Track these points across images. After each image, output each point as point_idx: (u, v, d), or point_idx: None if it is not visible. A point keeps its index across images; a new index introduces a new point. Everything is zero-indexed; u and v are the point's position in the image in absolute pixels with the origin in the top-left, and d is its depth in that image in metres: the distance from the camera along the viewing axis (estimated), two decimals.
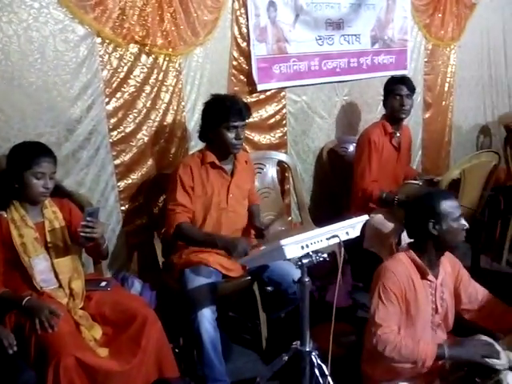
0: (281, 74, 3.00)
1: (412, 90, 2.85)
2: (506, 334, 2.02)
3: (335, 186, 3.33)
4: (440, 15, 3.84)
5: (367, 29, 3.39)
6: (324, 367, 1.87)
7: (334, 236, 1.74)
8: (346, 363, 2.19)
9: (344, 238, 1.78)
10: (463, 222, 1.83)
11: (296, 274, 1.85)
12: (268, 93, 3.00)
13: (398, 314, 1.83)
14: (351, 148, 3.28)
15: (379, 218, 2.81)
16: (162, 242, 2.54)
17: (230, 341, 2.60)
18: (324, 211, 3.30)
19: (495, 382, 1.69)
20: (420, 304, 1.86)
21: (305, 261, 1.73)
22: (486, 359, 1.75)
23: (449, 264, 1.98)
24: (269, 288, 2.48)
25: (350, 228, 1.80)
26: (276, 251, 1.63)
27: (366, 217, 1.83)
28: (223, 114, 2.23)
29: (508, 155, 3.47)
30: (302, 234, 1.65)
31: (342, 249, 1.74)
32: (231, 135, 2.23)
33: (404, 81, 2.85)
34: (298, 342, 1.89)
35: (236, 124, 2.23)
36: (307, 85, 3.17)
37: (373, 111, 3.04)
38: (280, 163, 3.11)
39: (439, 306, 1.91)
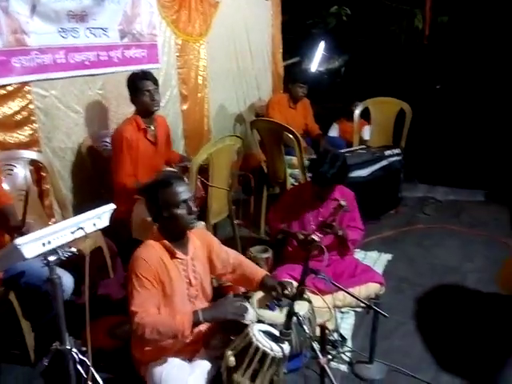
0: (22, 68, 2.78)
1: (156, 83, 2.99)
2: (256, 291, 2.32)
3: (98, 181, 3.28)
4: (186, 12, 4.07)
5: (114, 22, 3.39)
6: (87, 361, 1.87)
7: (79, 228, 1.74)
8: (124, 353, 2.23)
9: (91, 229, 1.80)
10: (188, 206, 1.97)
11: None
12: (9, 88, 2.75)
13: (154, 297, 1.93)
14: (108, 143, 3.27)
15: (142, 207, 2.89)
16: None
17: None
18: (90, 208, 3.22)
19: (245, 335, 1.92)
20: (174, 282, 1.99)
21: (51, 258, 1.69)
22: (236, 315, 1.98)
23: (197, 238, 2.16)
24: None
25: (96, 219, 1.82)
26: (13, 252, 1.55)
27: (112, 206, 1.87)
28: None
29: (255, 138, 3.92)
30: (41, 230, 1.60)
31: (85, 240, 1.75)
32: None
33: (148, 76, 2.96)
34: (58, 343, 1.85)
35: None
36: (55, 78, 3.02)
37: (130, 104, 3.07)
38: (34, 162, 2.91)
39: (192, 278, 2.07)
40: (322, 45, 6.76)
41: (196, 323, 1.90)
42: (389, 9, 5.95)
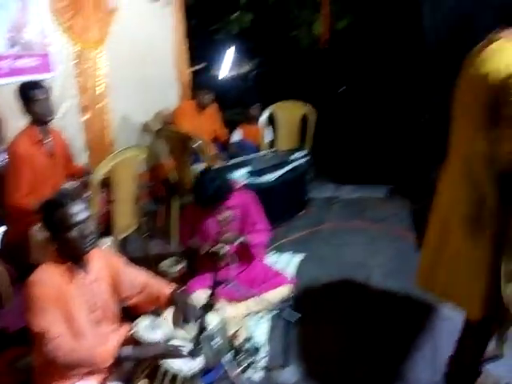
0: None
1: (47, 91, 2.86)
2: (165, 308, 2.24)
3: None
4: (81, 18, 3.88)
5: (2, 31, 3.17)
6: None
7: None
8: None
9: None
10: (81, 229, 1.84)
11: None
12: None
13: (58, 319, 1.80)
14: (4, 159, 3.04)
15: (39, 228, 2.71)
16: None
17: None
18: None
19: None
20: (75, 306, 1.87)
21: None
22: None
23: (100, 259, 2.05)
24: None
25: None
26: None
27: (1, 228, 1.73)
28: None
29: (162, 148, 3.84)
30: None
31: None
32: None
33: (37, 85, 2.83)
34: None
35: None
36: None
37: (23, 116, 2.87)
38: None
39: (95, 302, 1.96)
40: (231, 50, 6.78)
41: (120, 359, 1.78)
42: (290, 15, 6.12)
